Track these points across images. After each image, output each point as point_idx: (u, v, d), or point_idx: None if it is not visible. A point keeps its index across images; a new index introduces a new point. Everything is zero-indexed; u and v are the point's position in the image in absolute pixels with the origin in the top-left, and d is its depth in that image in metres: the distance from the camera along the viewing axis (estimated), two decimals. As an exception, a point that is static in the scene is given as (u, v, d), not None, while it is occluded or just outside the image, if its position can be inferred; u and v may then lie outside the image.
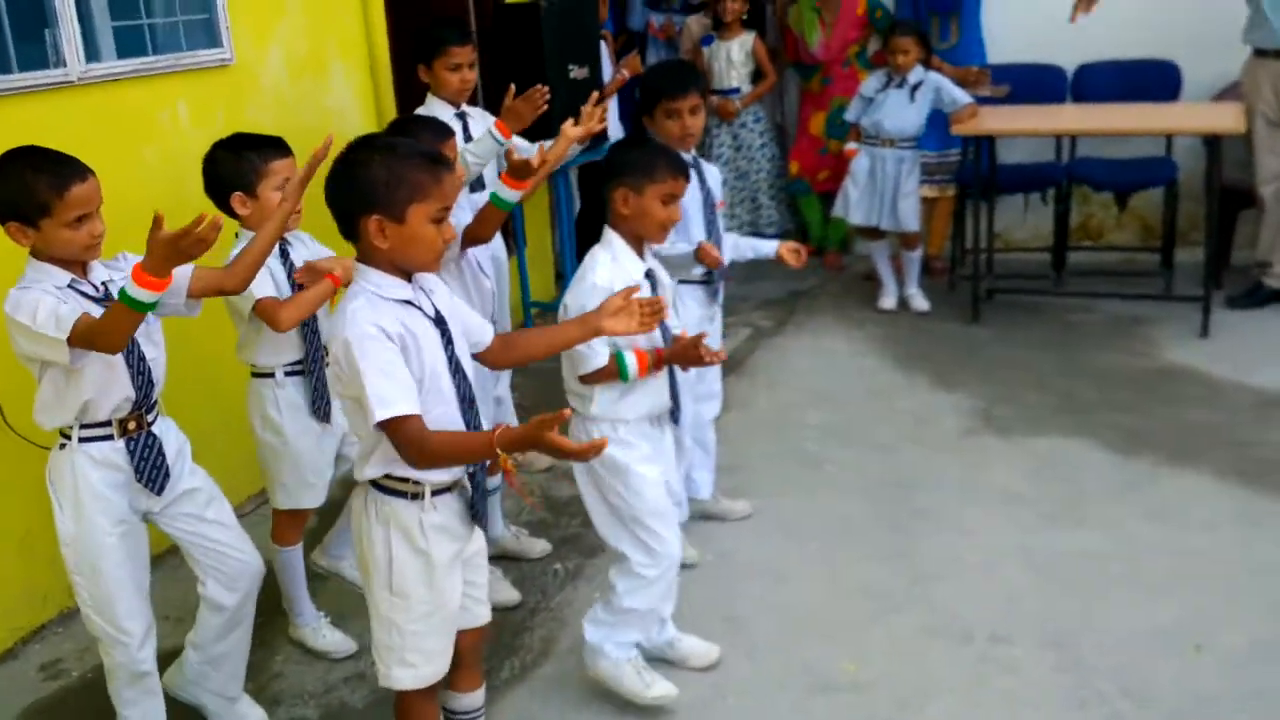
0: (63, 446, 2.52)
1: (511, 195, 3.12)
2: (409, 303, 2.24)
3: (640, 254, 2.87)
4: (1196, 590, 3.35)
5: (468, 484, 2.38)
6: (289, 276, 3.00)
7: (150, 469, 2.56)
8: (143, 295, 2.25)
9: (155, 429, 2.59)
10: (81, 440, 2.50)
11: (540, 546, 3.74)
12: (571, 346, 2.69)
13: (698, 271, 3.51)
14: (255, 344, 3.03)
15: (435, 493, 2.29)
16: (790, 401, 4.92)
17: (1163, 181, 5.97)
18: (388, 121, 4.73)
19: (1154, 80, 6.15)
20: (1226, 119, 5.32)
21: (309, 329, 3.05)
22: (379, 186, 2.15)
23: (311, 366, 3.07)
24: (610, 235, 2.85)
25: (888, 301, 6.04)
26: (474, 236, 3.25)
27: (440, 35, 3.91)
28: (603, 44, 6.06)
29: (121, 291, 2.28)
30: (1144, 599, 3.32)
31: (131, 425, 2.54)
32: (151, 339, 2.57)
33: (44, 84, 3.32)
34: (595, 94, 3.59)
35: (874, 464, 4.28)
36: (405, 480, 2.27)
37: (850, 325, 5.84)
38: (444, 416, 2.26)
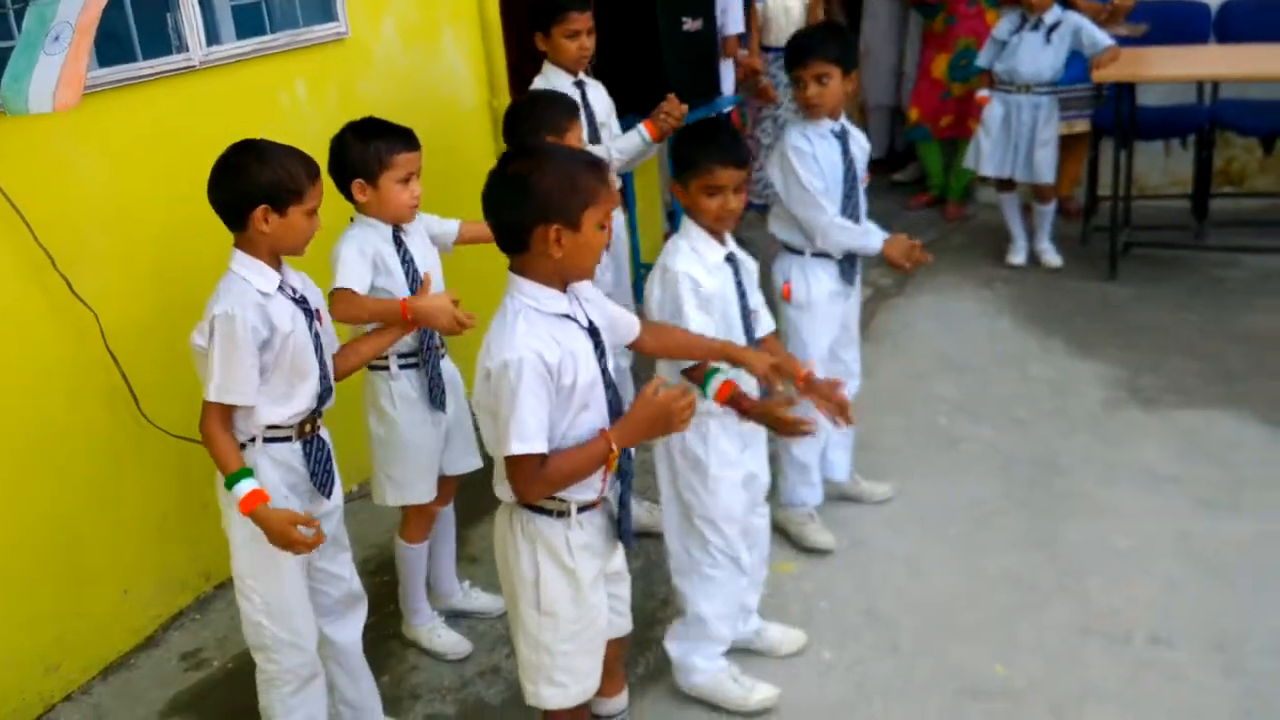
0: (243, 448, 2.47)
1: None
2: (566, 316, 2.18)
3: (720, 240, 2.77)
4: (1373, 588, 3.15)
5: (613, 500, 2.32)
6: (404, 264, 2.93)
7: (322, 471, 2.57)
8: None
9: (321, 433, 2.60)
10: (266, 441, 2.48)
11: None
12: (709, 358, 2.62)
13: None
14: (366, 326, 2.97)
15: (580, 509, 2.25)
16: (918, 370, 4.74)
17: (1316, 125, 5.59)
18: (499, 87, 4.65)
19: (1307, 15, 5.74)
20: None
21: None
22: (555, 194, 2.09)
23: (426, 356, 3.02)
24: (687, 224, 2.78)
25: (1017, 257, 5.78)
26: None
27: (559, 1, 3.77)
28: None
29: None
30: (1315, 597, 3.13)
31: (307, 428, 2.54)
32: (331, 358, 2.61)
33: (169, 70, 3.27)
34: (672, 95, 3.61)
35: (1011, 441, 4.10)
36: (551, 499, 2.22)
37: (978, 283, 5.60)
38: (593, 426, 2.21)
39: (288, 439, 2.51)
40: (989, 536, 3.54)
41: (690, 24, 5.25)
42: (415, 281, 2.94)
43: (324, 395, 2.56)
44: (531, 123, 3.18)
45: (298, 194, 2.39)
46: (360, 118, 2.94)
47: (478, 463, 3.23)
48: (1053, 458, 3.96)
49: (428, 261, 2.99)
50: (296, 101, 3.73)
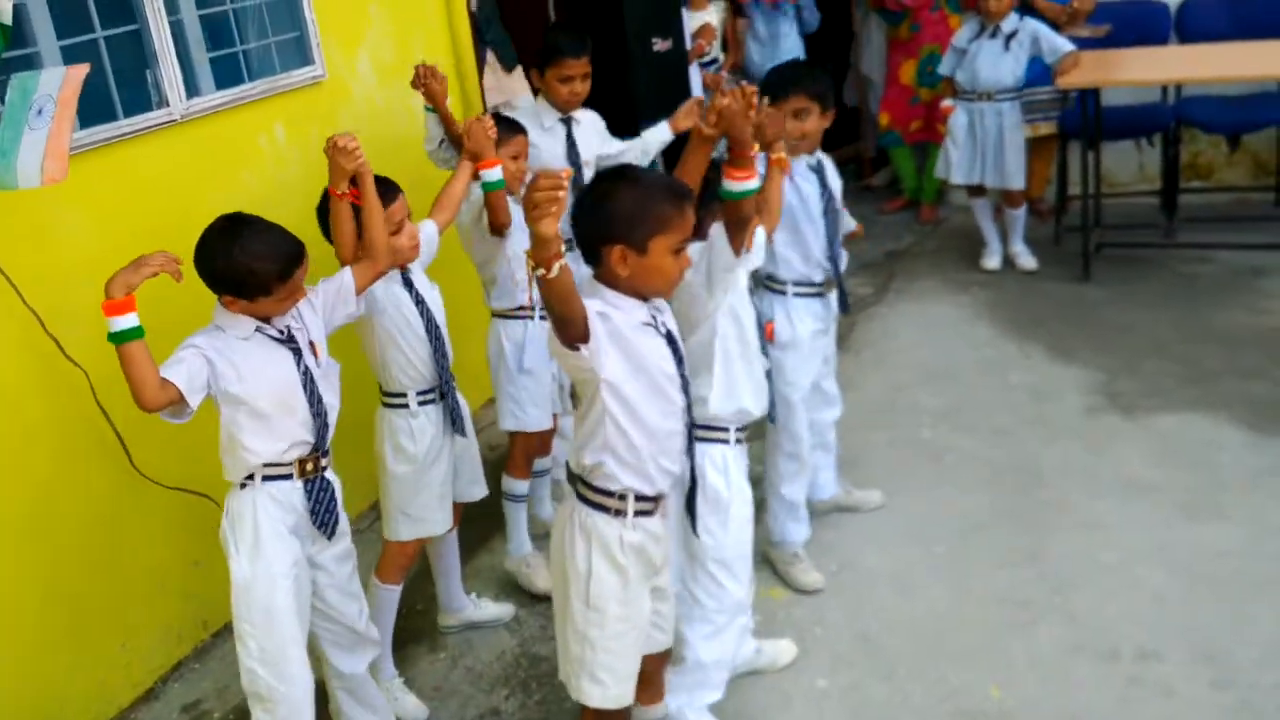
0: (244, 486, 2.57)
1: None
2: (645, 324, 2.31)
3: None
4: (1355, 593, 3.22)
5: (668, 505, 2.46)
6: (416, 305, 3.02)
7: (324, 511, 2.64)
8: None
9: (327, 474, 2.66)
10: (265, 479, 2.56)
11: None
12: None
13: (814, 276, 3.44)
14: (385, 368, 3.05)
15: (638, 513, 2.37)
16: (900, 381, 4.80)
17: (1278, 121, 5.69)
18: (476, 115, 4.66)
19: (1266, 13, 5.82)
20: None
21: (440, 353, 3.05)
22: (625, 218, 2.24)
23: (445, 389, 3.08)
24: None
25: (992, 261, 5.85)
26: None
27: (555, 44, 3.79)
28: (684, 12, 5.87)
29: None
30: (1298, 604, 3.21)
31: (309, 467, 2.60)
32: (331, 385, 2.66)
33: (150, 125, 3.28)
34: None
35: (995, 452, 4.16)
36: (610, 495, 2.34)
37: (955, 289, 5.67)
38: (666, 417, 2.35)
39: (288, 477, 2.57)
40: (976, 553, 3.60)
41: (660, 44, 5.32)
42: (423, 313, 3.02)
43: (321, 433, 2.61)
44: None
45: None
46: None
47: (484, 491, 3.31)
48: (1035, 467, 4.03)
49: (434, 300, 3.08)
50: (277, 145, 3.75)
